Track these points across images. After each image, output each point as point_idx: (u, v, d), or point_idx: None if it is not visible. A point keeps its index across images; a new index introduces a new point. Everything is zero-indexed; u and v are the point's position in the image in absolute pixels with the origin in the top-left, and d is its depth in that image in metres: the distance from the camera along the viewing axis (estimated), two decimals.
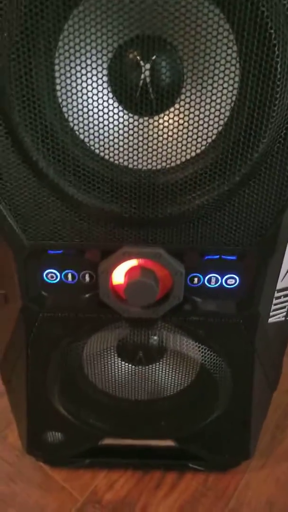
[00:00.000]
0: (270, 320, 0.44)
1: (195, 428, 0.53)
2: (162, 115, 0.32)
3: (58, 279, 0.40)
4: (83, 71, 0.30)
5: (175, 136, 0.32)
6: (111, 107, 0.31)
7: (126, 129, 0.32)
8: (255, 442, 0.59)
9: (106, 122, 0.32)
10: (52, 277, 0.40)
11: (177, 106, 0.32)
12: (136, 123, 0.32)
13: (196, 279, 0.41)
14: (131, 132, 0.32)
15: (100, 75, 0.30)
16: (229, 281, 0.41)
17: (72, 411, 0.52)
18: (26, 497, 0.61)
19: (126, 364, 0.48)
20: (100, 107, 0.31)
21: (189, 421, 0.53)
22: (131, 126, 0.32)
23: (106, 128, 0.32)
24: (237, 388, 0.49)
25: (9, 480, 0.63)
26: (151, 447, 0.60)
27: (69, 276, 0.40)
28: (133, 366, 0.48)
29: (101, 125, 0.32)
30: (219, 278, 0.41)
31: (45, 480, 0.63)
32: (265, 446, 0.66)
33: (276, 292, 0.42)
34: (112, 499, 0.61)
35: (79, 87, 0.31)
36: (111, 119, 0.32)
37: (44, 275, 0.40)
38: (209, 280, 0.41)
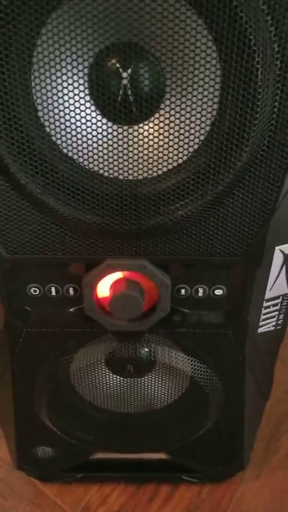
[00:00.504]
0: (260, 330, 0.43)
1: (187, 440, 0.52)
2: (143, 124, 0.31)
3: (41, 293, 0.39)
4: (61, 78, 0.29)
5: (157, 145, 0.32)
6: (90, 116, 0.30)
7: (106, 138, 0.31)
8: (249, 452, 0.58)
9: (85, 131, 0.31)
10: (34, 291, 0.39)
11: (158, 114, 0.31)
12: (116, 132, 0.31)
13: (183, 290, 0.40)
14: (111, 141, 0.31)
15: (79, 82, 0.30)
16: (216, 292, 0.40)
17: (61, 426, 0.51)
18: None
19: (116, 377, 0.47)
20: (79, 115, 0.30)
21: (181, 434, 0.52)
22: (111, 135, 0.31)
23: (85, 137, 0.31)
24: (229, 399, 0.48)
25: None
26: (144, 461, 0.59)
27: (53, 289, 0.39)
28: (123, 379, 0.47)
29: (80, 134, 0.31)
30: (207, 288, 0.40)
31: (36, 495, 0.62)
32: (260, 456, 0.65)
33: (264, 301, 0.41)
34: None
35: (57, 94, 0.30)
36: (90, 128, 0.31)
37: (27, 289, 0.39)
38: (196, 291, 0.40)
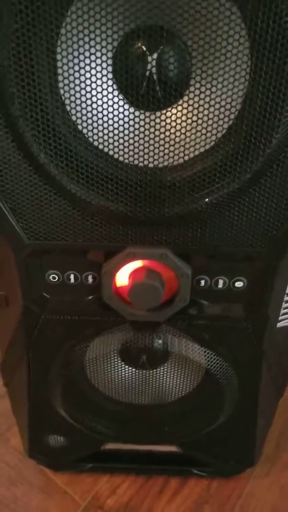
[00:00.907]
0: (279, 324, 0.42)
1: (199, 434, 0.52)
2: (168, 109, 0.30)
3: (60, 280, 0.39)
4: (86, 63, 0.29)
5: (183, 131, 0.31)
6: (115, 101, 0.30)
7: (131, 124, 0.31)
8: (260, 449, 0.58)
9: (109, 117, 0.30)
10: (53, 278, 0.39)
11: (184, 100, 0.30)
12: (141, 118, 0.31)
13: (203, 282, 0.39)
14: (136, 127, 0.31)
15: (104, 66, 0.29)
16: (237, 284, 0.39)
17: (74, 416, 0.51)
18: (27, 501, 0.60)
19: (130, 368, 0.47)
20: (104, 100, 0.30)
21: (193, 427, 0.52)
22: (136, 121, 0.31)
23: (109, 123, 0.30)
24: (244, 393, 0.47)
25: (10, 483, 0.62)
26: (154, 453, 0.58)
27: (72, 277, 0.39)
28: (137, 370, 0.47)
29: (104, 120, 0.30)
30: (227, 280, 0.39)
31: (47, 484, 0.62)
32: (270, 454, 0.64)
33: (286, 295, 0.40)
34: (115, 505, 0.60)
35: (82, 80, 0.29)
36: (115, 114, 0.30)
37: (46, 275, 0.39)
38: (217, 283, 0.39)
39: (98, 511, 0.59)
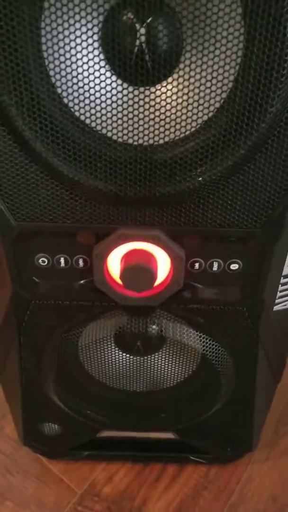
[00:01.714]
0: (276, 308, 0.41)
1: (196, 420, 0.51)
2: (159, 85, 0.29)
3: (49, 264, 0.38)
4: (72, 34, 0.27)
5: (175, 108, 0.29)
6: (103, 76, 0.28)
7: (120, 100, 0.29)
8: (258, 434, 0.57)
9: (98, 92, 0.29)
10: (43, 261, 0.38)
11: (176, 74, 0.29)
12: (131, 94, 0.29)
13: (197, 264, 0.38)
14: (126, 103, 0.29)
15: (91, 39, 0.28)
16: (232, 266, 0.38)
17: (69, 403, 0.50)
18: (23, 489, 0.60)
19: (124, 354, 0.46)
20: (90, 72, 0.28)
21: (190, 413, 0.51)
22: (126, 97, 0.29)
23: (98, 99, 0.29)
24: (240, 379, 0.46)
25: (5, 471, 0.62)
26: (151, 440, 0.58)
27: (62, 260, 0.38)
28: (131, 356, 0.46)
29: (92, 95, 0.29)
30: (222, 263, 0.38)
31: (43, 472, 0.62)
32: (268, 439, 0.64)
33: (282, 278, 0.39)
34: (111, 492, 0.60)
35: (68, 52, 0.28)
36: (103, 89, 0.29)
37: (35, 259, 0.38)
38: (211, 265, 0.38)
39: (95, 499, 0.59)
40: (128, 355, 0.46)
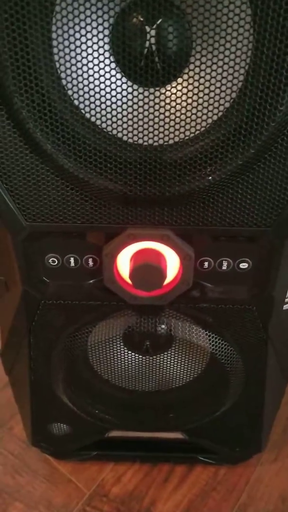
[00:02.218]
0: (286, 306, 0.41)
1: (205, 420, 0.51)
2: (169, 85, 0.29)
3: (59, 264, 0.38)
4: (83, 36, 0.28)
5: (184, 108, 0.30)
6: (113, 78, 0.29)
7: (130, 101, 0.29)
8: (267, 435, 0.57)
9: (108, 93, 0.29)
10: (53, 261, 0.38)
11: (186, 74, 0.29)
12: (141, 95, 0.29)
13: (206, 263, 0.38)
14: (135, 104, 0.30)
15: (101, 41, 0.28)
16: (241, 265, 0.38)
17: (77, 403, 0.50)
18: (31, 489, 0.60)
19: (133, 353, 0.46)
20: (101, 76, 0.28)
21: (199, 413, 0.51)
22: (135, 98, 0.29)
23: (108, 100, 0.29)
24: (249, 378, 0.46)
25: (14, 472, 0.62)
26: (159, 440, 0.58)
27: (72, 260, 0.38)
28: (140, 356, 0.46)
29: (102, 96, 0.29)
30: (231, 262, 0.38)
31: (51, 472, 0.62)
32: (277, 439, 0.64)
33: None
34: (120, 493, 0.60)
35: (78, 54, 0.28)
36: (113, 90, 0.29)
37: (45, 259, 0.38)
38: (220, 264, 0.38)
39: (103, 499, 0.59)
40: (137, 355, 0.46)
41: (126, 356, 0.46)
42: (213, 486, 0.60)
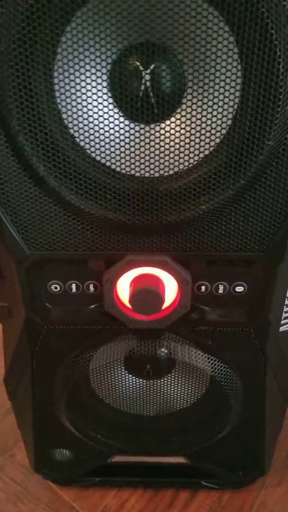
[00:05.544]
0: (282, 328, 0.42)
1: (207, 443, 0.51)
2: (164, 122, 0.31)
3: (62, 290, 0.40)
4: (83, 78, 0.30)
5: (178, 143, 0.32)
6: (112, 118, 0.31)
7: (127, 136, 0.32)
8: (270, 457, 0.57)
9: (107, 130, 0.31)
10: (55, 288, 0.40)
11: (179, 112, 0.31)
12: (137, 130, 0.31)
13: (203, 287, 0.40)
14: (132, 139, 0.32)
15: (100, 82, 0.30)
16: (237, 289, 0.40)
17: (80, 428, 0.51)
18: None
19: (134, 378, 0.47)
20: (100, 114, 0.31)
21: (200, 436, 0.51)
22: (132, 133, 0.32)
23: (107, 136, 0.31)
24: (250, 400, 0.47)
25: (16, 499, 0.61)
26: (162, 465, 0.58)
27: (73, 286, 0.39)
28: (141, 380, 0.47)
29: (101, 133, 0.31)
30: (227, 285, 0.39)
31: (54, 499, 0.61)
32: (280, 464, 0.63)
33: (286, 299, 0.40)
34: None
35: (78, 94, 0.30)
36: (112, 127, 0.31)
37: (48, 286, 0.39)
38: (217, 288, 0.40)
39: None
40: (138, 379, 0.47)
41: (127, 380, 0.46)
42: (217, 511, 0.59)
